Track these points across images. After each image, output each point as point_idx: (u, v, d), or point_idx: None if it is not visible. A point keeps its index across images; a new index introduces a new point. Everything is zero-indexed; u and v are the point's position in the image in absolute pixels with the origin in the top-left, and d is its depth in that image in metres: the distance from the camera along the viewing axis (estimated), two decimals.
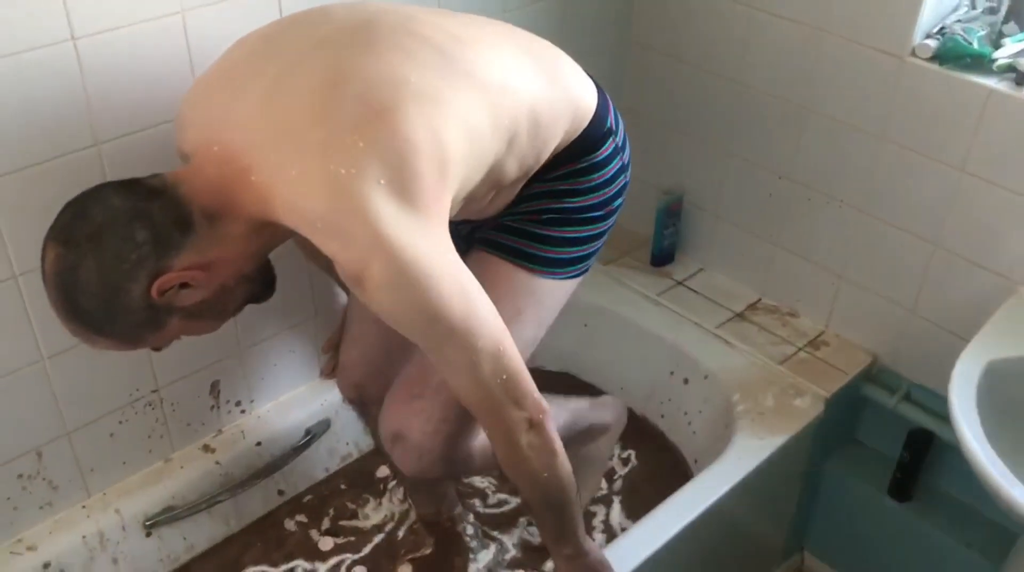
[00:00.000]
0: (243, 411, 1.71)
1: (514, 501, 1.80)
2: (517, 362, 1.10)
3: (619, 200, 1.32)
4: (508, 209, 1.27)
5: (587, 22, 1.86)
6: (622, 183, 1.32)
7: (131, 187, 1.04)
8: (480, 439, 1.39)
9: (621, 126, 1.32)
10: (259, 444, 1.69)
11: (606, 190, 1.28)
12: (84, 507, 1.55)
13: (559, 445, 1.18)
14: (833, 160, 1.74)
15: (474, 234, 1.31)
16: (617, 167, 1.29)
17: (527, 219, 1.26)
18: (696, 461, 1.85)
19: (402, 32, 1.08)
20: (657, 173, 2.06)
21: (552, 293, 1.30)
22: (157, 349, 1.15)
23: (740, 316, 1.94)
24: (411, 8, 1.15)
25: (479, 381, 1.08)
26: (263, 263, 1.16)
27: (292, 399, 1.76)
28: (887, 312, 1.77)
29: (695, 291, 2.01)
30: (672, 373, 1.91)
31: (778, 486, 1.79)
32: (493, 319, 1.08)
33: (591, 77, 1.29)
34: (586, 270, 1.34)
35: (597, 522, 1.77)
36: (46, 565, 1.49)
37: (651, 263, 2.08)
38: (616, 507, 1.80)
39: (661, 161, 2.04)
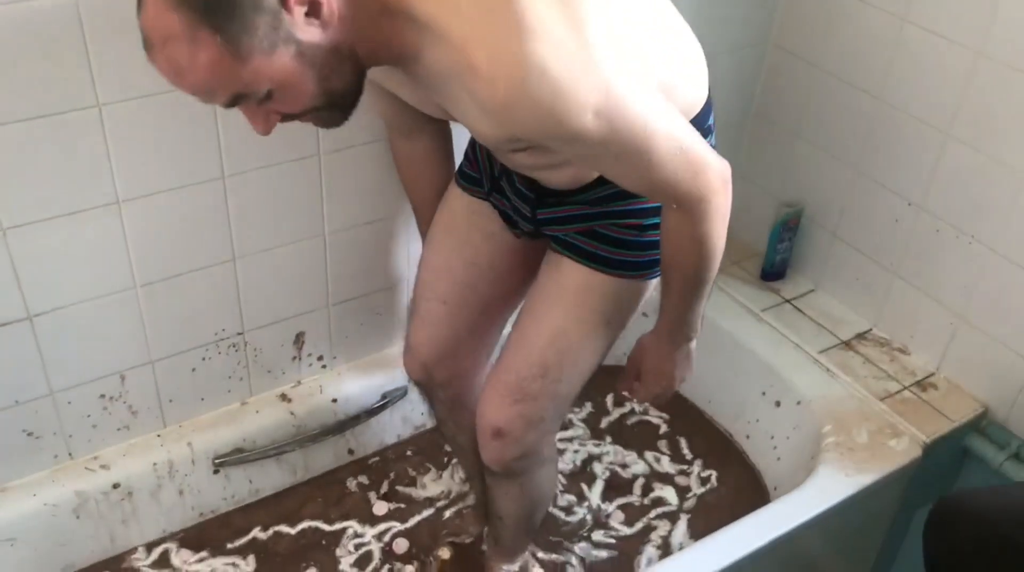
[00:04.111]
0: (324, 366, 1.72)
1: (580, 513, 1.76)
2: (688, 132, 1.05)
3: None
4: (590, 208, 1.23)
5: (725, 16, 1.78)
6: None
7: None
8: (551, 449, 1.45)
9: (715, 131, 1.27)
10: (335, 401, 1.70)
11: None
12: (159, 436, 1.59)
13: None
14: (970, 193, 1.62)
15: (549, 230, 1.29)
16: None
17: (622, 226, 1.23)
18: (776, 488, 1.78)
19: None
20: (779, 184, 1.96)
21: (634, 293, 1.29)
22: (232, 103, 0.97)
23: (846, 344, 1.84)
24: None
25: (660, 167, 1.03)
26: (360, 74, 1.04)
27: (373, 362, 1.76)
28: (1007, 363, 1.64)
29: (802, 312, 1.92)
30: (764, 393, 1.82)
31: (859, 529, 1.69)
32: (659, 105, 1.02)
33: (723, 74, 1.24)
34: None
35: (656, 536, 1.71)
36: (115, 485, 1.54)
37: (760, 277, 2.00)
38: (682, 524, 1.73)
39: (784, 171, 1.95)
